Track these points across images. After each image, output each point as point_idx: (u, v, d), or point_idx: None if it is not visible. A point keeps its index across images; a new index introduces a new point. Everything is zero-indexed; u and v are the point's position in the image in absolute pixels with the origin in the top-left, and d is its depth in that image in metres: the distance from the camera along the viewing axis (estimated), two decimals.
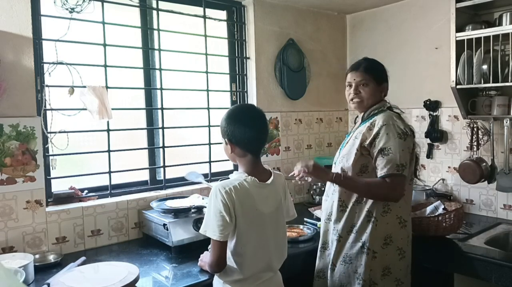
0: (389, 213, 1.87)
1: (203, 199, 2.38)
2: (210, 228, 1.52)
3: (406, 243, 1.91)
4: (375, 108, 1.95)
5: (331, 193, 1.99)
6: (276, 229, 1.68)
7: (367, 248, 1.85)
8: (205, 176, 2.81)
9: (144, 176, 2.61)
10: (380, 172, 1.81)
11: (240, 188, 1.55)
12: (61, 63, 2.16)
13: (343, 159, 1.94)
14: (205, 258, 1.84)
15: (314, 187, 3.09)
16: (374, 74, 1.95)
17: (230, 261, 1.58)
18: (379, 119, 1.88)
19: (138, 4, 2.48)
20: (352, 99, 1.97)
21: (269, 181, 1.65)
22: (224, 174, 2.86)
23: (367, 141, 1.85)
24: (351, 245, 1.89)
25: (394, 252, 1.88)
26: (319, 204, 2.76)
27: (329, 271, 1.96)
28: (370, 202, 1.87)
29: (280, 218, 1.71)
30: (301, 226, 2.43)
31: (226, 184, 1.55)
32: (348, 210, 1.91)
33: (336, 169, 1.98)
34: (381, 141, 1.82)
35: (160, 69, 2.56)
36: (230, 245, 1.57)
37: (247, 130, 1.60)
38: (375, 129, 1.85)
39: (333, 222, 1.96)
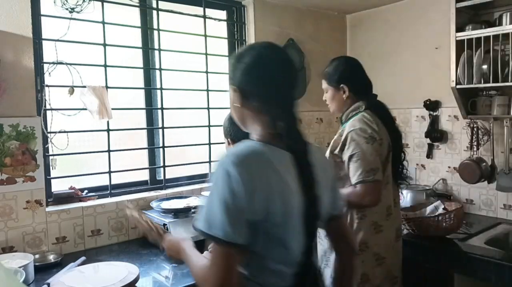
0: (363, 219, 1.83)
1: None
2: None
3: (384, 248, 1.86)
4: (351, 110, 1.92)
5: None
6: None
7: None
8: (205, 176, 2.81)
9: (144, 175, 2.61)
10: (352, 179, 1.78)
11: None
12: (61, 63, 2.16)
13: None
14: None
15: None
16: (327, 79, 1.98)
17: None
18: (348, 125, 1.85)
19: (138, 4, 2.48)
20: None
21: None
22: None
23: (338, 149, 1.84)
24: (330, 250, 1.85)
25: (370, 258, 1.83)
26: None
27: (320, 271, 1.96)
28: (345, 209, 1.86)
29: None
30: None
31: None
32: None
33: None
34: (350, 148, 1.79)
35: (160, 69, 2.56)
36: None
37: None
38: (344, 136, 1.83)
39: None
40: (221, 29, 2.92)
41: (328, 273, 1.86)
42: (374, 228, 1.84)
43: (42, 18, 2.15)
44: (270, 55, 1.11)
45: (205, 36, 2.75)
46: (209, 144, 2.80)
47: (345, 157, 1.81)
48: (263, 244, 1.04)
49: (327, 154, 1.88)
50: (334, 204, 1.23)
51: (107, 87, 2.30)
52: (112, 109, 2.26)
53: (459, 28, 2.46)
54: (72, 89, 2.18)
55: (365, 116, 1.85)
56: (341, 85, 1.92)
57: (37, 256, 1.99)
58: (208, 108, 2.78)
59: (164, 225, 2.11)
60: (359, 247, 1.82)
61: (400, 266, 1.96)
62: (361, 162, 1.75)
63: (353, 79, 1.94)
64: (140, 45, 2.55)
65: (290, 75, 1.12)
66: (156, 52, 2.56)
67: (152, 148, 2.62)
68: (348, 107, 1.94)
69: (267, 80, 1.09)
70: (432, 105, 2.90)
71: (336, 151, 1.84)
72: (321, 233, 1.91)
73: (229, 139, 1.65)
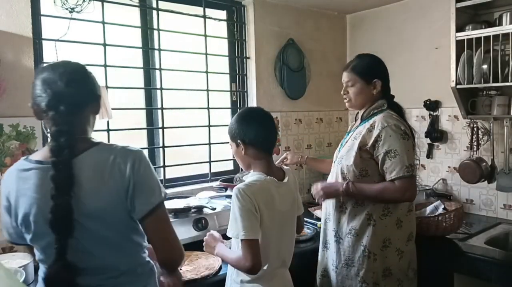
0: (388, 216, 1.85)
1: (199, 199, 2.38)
2: (242, 230, 1.49)
3: (403, 242, 1.89)
4: (374, 107, 1.92)
5: None
6: (291, 226, 1.71)
7: (368, 251, 1.85)
8: (205, 176, 2.81)
9: None
10: (389, 175, 1.79)
11: (262, 188, 1.56)
12: None
13: (342, 160, 1.93)
14: (225, 252, 1.68)
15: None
16: (360, 73, 1.91)
17: None
18: (378, 121, 1.84)
19: (138, 4, 2.48)
20: (344, 99, 2.01)
21: (285, 180, 1.67)
22: (224, 174, 2.87)
23: (369, 145, 1.82)
24: (353, 248, 1.87)
25: (393, 253, 1.87)
26: (319, 204, 2.75)
27: (331, 272, 1.95)
28: (370, 204, 1.85)
29: (294, 215, 1.73)
30: None
31: (248, 184, 1.55)
32: (347, 211, 1.89)
33: (335, 168, 1.97)
34: (385, 144, 1.79)
35: (160, 69, 2.56)
36: None
37: (260, 129, 1.63)
38: (376, 132, 1.82)
39: (332, 223, 1.95)
40: (221, 29, 2.92)
41: (353, 272, 1.87)
42: (396, 223, 1.87)
43: (42, 18, 2.15)
44: (38, 76, 1.23)
45: (205, 36, 2.75)
46: (209, 143, 2.80)
47: (380, 152, 1.80)
48: (34, 248, 1.27)
49: (353, 150, 1.85)
50: (133, 207, 1.23)
51: (107, 87, 2.30)
52: (112, 109, 2.25)
53: (459, 28, 2.46)
54: None
55: (393, 114, 1.87)
56: (375, 80, 1.91)
57: None
58: (208, 108, 2.78)
59: None
60: (383, 243, 1.84)
61: (416, 258, 1.98)
62: (400, 158, 1.76)
63: (385, 76, 1.95)
64: (140, 45, 2.55)
65: (49, 92, 1.19)
66: (156, 52, 2.56)
67: (152, 148, 2.62)
68: (370, 104, 1.94)
69: (34, 98, 1.22)
70: (432, 105, 2.90)
71: (368, 147, 1.83)
72: (343, 232, 1.91)
73: (239, 140, 1.62)
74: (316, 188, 1.96)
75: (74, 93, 1.20)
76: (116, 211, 1.21)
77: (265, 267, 1.59)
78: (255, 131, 1.62)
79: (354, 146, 1.87)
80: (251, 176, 1.63)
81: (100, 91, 1.32)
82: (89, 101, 1.27)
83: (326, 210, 2.00)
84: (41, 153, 1.25)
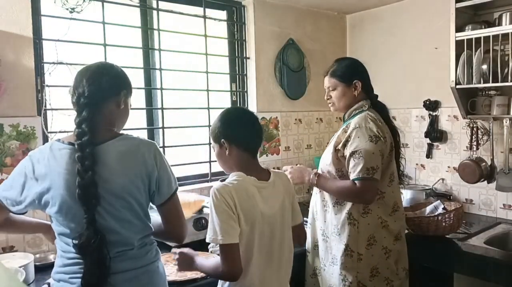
0: (369, 213, 1.86)
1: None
2: (219, 234, 1.40)
3: (390, 241, 1.90)
4: (355, 108, 1.96)
5: (315, 192, 2.04)
6: (282, 231, 1.58)
7: (350, 250, 1.86)
8: (205, 175, 2.81)
9: None
10: (352, 175, 1.81)
11: (238, 187, 1.47)
12: (61, 63, 2.16)
13: (322, 160, 1.98)
14: (203, 262, 1.60)
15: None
16: (339, 76, 1.97)
17: None
18: (353, 122, 1.88)
19: (138, 4, 2.48)
20: (328, 104, 2.07)
21: (269, 180, 1.57)
22: (224, 174, 2.85)
23: (341, 144, 1.87)
24: (337, 247, 1.90)
25: (379, 251, 1.87)
26: None
27: (321, 270, 1.99)
28: (349, 203, 1.87)
29: (286, 220, 1.60)
30: None
31: (224, 184, 1.48)
32: (329, 210, 1.93)
33: (319, 168, 2.02)
34: (353, 144, 1.82)
35: (160, 69, 2.56)
36: None
37: (247, 130, 1.57)
38: (348, 132, 1.86)
39: (320, 222, 1.99)
40: (221, 29, 2.92)
41: (336, 270, 1.87)
42: (381, 222, 1.88)
43: (42, 18, 2.15)
44: (80, 73, 1.44)
45: (205, 36, 2.75)
46: (209, 144, 2.80)
47: (347, 152, 1.83)
48: (54, 222, 1.38)
49: (330, 150, 1.90)
50: (156, 193, 1.43)
51: None
52: None
53: (459, 28, 2.46)
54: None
55: (371, 115, 1.89)
56: (354, 81, 1.95)
57: (37, 255, 1.99)
58: (208, 108, 2.78)
59: None
60: (368, 241, 1.85)
61: (407, 259, 1.98)
62: (363, 159, 1.78)
63: (364, 77, 1.99)
64: (140, 45, 2.55)
65: (75, 91, 1.41)
66: (156, 52, 2.56)
67: None
68: (352, 105, 1.97)
69: (73, 91, 1.42)
70: (431, 105, 2.91)
71: (339, 147, 1.87)
72: (329, 231, 1.93)
73: (223, 140, 1.54)
74: (286, 171, 2.03)
75: (91, 91, 1.38)
76: (135, 192, 1.38)
77: (249, 274, 1.48)
78: (242, 132, 1.56)
79: (332, 147, 1.93)
80: (230, 177, 1.54)
81: (121, 87, 1.46)
82: (105, 97, 1.41)
83: (313, 209, 2.04)
84: (72, 137, 1.39)
